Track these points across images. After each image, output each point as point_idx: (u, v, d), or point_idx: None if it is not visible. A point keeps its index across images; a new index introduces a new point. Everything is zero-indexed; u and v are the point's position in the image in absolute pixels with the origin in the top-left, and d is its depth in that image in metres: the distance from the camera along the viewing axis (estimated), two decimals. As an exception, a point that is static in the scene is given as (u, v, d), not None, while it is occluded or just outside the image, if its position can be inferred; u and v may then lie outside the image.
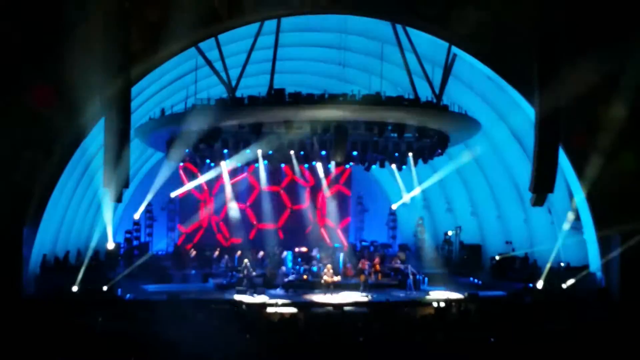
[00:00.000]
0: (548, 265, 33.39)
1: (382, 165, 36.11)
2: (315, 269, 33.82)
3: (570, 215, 32.75)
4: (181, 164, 39.07)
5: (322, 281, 32.17)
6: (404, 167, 35.58)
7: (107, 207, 29.28)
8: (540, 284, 32.00)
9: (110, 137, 27.26)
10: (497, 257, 36.65)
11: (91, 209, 35.86)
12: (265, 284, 32.72)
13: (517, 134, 33.83)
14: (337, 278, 32.75)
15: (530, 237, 36.30)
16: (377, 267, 34.46)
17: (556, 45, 30.08)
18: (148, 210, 42.41)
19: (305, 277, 32.98)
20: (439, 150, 32.91)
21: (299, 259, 35.37)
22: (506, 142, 34.94)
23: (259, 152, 32.97)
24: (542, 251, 34.82)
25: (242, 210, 43.10)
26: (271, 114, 29.95)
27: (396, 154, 33.73)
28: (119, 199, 28.84)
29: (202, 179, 37.92)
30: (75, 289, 28.36)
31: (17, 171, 27.44)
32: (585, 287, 31.01)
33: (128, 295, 30.11)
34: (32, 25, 27.17)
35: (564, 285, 31.33)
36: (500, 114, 34.13)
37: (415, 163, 34.38)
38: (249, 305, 28.80)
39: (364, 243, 43.59)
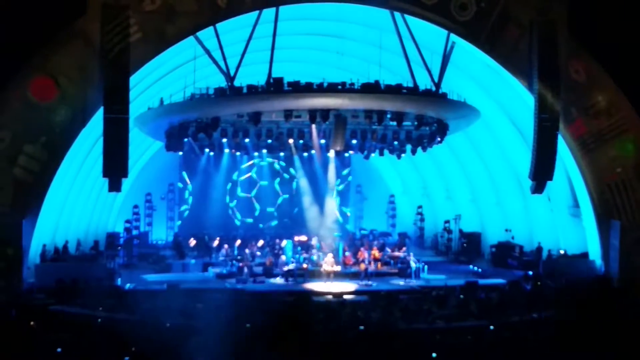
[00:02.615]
0: (547, 253, 33.46)
1: (381, 154, 36.08)
2: (314, 258, 33.80)
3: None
4: (180, 153, 39.00)
5: (322, 270, 32.19)
6: (403, 155, 35.59)
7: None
8: (539, 272, 32.05)
9: (109, 127, 27.32)
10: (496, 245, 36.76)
11: (90, 199, 35.86)
12: (265, 273, 32.74)
13: (517, 121, 33.80)
14: (337, 267, 32.77)
15: (530, 224, 36.30)
16: (377, 255, 34.43)
17: (556, 33, 30.16)
18: (147, 199, 42.43)
19: (305, 266, 32.96)
20: (438, 139, 32.87)
21: (299, 248, 35.33)
22: (505, 130, 34.93)
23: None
24: (541, 239, 34.84)
25: (245, 199, 43.33)
26: (270, 103, 29.92)
27: (395, 143, 33.71)
28: (118, 189, 28.95)
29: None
30: (74, 279, 28.34)
31: (17, 162, 27.45)
32: (584, 274, 31.03)
33: (128, 285, 30.13)
34: (31, 17, 27.18)
35: (563, 273, 31.36)
36: (499, 101, 34.10)
37: (414, 151, 34.35)
38: (249, 294, 28.82)
39: (363, 232, 43.58)
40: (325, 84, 29.89)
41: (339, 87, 29.82)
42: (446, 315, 26.20)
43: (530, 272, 32.38)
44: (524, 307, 26.73)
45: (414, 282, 32.25)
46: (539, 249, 34.20)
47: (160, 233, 43.12)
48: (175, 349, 21.95)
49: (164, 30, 28.44)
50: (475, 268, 36.12)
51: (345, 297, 29.22)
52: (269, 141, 33.20)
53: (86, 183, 33.88)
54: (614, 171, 31.27)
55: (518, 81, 30.74)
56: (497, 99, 34.06)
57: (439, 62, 31.40)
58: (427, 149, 34.22)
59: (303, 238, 36.82)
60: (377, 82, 30.37)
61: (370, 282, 31.81)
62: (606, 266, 31.27)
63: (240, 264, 32.69)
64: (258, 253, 35.05)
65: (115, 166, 27.78)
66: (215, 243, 36.51)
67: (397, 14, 30.63)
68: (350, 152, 36.75)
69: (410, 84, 30.75)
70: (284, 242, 35.71)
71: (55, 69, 27.86)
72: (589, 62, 31.16)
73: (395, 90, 30.28)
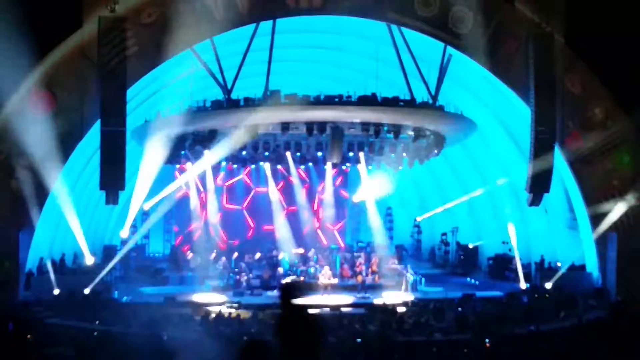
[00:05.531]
0: (545, 265, 33.42)
1: (378, 167, 36.07)
2: (312, 270, 33.75)
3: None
4: (177, 166, 38.93)
5: (319, 283, 32.15)
6: (400, 168, 35.59)
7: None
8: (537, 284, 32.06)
9: (106, 140, 27.33)
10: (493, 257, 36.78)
11: (88, 212, 35.78)
12: (262, 286, 32.69)
13: (513, 134, 33.85)
14: (334, 280, 32.73)
15: (527, 237, 36.28)
16: (374, 268, 34.39)
17: (552, 46, 30.23)
18: (144, 212, 42.32)
19: (302, 278, 32.91)
20: (435, 151, 32.87)
21: (296, 261, 35.31)
22: (502, 142, 34.95)
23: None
24: (538, 251, 34.83)
25: (239, 211, 43.21)
26: (267, 116, 29.94)
27: (392, 155, 33.70)
28: (115, 202, 28.91)
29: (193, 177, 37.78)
30: (72, 292, 28.30)
31: (14, 175, 27.44)
32: (582, 286, 31.03)
33: (125, 298, 30.07)
34: (28, 30, 27.19)
35: (560, 285, 31.34)
36: (496, 114, 34.14)
37: (412, 164, 34.35)
38: (245, 307, 28.78)
39: (360, 244, 43.50)
40: (322, 97, 29.94)
41: (336, 99, 29.88)
42: (444, 327, 26.20)
43: (528, 285, 32.39)
44: (522, 319, 26.72)
45: (411, 295, 32.21)
46: (542, 262, 34.08)
47: (157, 246, 43.04)
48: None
49: (161, 43, 28.47)
50: (473, 280, 36.12)
51: (343, 309, 29.19)
52: (266, 153, 33.20)
53: (83, 196, 33.82)
54: (610, 183, 31.30)
55: (515, 93, 30.81)
56: (494, 111, 34.10)
57: (436, 74, 31.43)
58: (424, 161, 34.21)
59: (300, 250, 36.77)
60: (374, 95, 30.40)
61: (367, 295, 31.78)
62: (603, 278, 31.28)
63: (238, 277, 32.65)
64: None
65: (112, 179, 27.79)
66: (212, 256, 36.45)
67: (394, 27, 30.70)
68: (347, 164, 36.74)
69: (407, 97, 30.78)
70: (281, 255, 35.67)
71: (53, 82, 27.93)
72: (585, 74, 31.26)
73: (392, 103, 30.32)
